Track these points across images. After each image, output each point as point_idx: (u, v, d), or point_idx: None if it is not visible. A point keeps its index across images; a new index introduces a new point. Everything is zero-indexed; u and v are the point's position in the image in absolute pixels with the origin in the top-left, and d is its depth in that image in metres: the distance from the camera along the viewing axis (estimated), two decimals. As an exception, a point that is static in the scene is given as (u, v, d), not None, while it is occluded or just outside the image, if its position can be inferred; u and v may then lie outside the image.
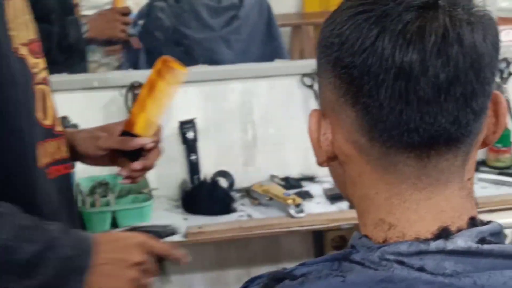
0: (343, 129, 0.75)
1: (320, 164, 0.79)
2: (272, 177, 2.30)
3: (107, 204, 2.02)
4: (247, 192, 2.20)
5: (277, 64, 2.36)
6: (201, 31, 2.68)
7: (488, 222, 0.74)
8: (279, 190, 2.13)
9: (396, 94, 0.69)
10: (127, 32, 2.41)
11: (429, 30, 0.68)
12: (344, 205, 2.14)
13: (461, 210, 0.74)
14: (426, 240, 0.71)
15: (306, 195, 2.19)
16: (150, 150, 1.28)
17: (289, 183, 2.27)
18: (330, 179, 2.31)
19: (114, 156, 1.31)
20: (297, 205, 2.05)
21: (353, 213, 2.19)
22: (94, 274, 1.09)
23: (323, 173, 2.31)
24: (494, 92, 0.74)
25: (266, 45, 2.86)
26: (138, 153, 1.28)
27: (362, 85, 0.70)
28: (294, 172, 2.34)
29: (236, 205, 2.15)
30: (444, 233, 0.72)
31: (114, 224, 2.01)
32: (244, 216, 2.09)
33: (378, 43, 0.68)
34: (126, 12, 2.39)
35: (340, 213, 2.09)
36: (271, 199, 2.11)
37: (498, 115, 0.76)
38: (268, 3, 2.94)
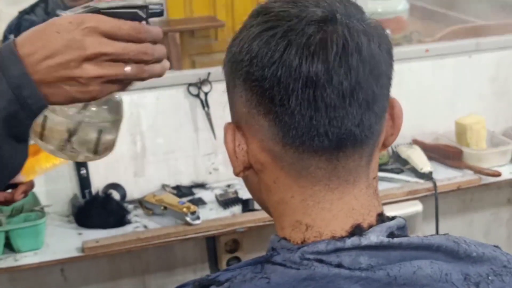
0: (257, 138, 0.78)
1: (237, 174, 0.82)
2: (164, 186, 2.32)
3: (-1, 224, 1.97)
4: (140, 203, 2.21)
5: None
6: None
7: (393, 218, 0.80)
8: (173, 199, 2.16)
9: (305, 101, 0.73)
10: None
11: (330, 42, 0.73)
12: (236, 209, 2.20)
13: (370, 207, 0.79)
14: (342, 238, 0.75)
15: (200, 202, 2.23)
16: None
17: (181, 191, 2.29)
18: (220, 185, 2.38)
19: None
20: (193, 213, 2.08)
21: (246, 217, 2.28)
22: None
23: (213, 179, 2.37)
24: (390, 97, 0.80)
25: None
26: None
27: (273, 96, 0.74)
28: (185, 180, 2.37)
29: (130, 216, 2.15)
30: (357, 230, 0.76)
31: (8, 245, 1.96)
32: (140, 227, 2.09)
33: (286, 56, 0.73)
34: None
35: (234, 217, 2.14)
36: (165, 208, 2.13)
37: (394, 118, 0.81)
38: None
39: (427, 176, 2.31)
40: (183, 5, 5.20)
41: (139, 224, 2.12)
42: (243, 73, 0.77)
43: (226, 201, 2.22)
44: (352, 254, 0.74)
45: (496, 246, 0.82)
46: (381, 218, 0.79)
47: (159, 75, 0.82)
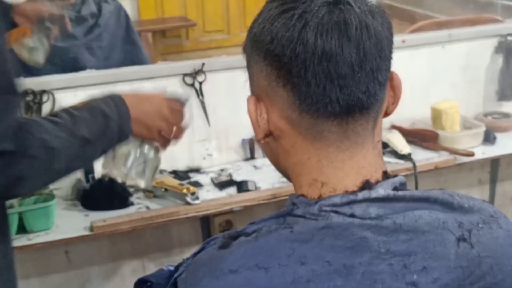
0: (276, 108, 0.88)
1: (259, 140, 0.94)
2: (161, 171, 2.44)
3: (11, 206, 2.07)
4: (141, 186, 2.33)
5: (160, 66, 2.52)
6: (65, 40, 2.77)
7: (396, 175, 0.90)
8: (173, 181, 2.28)
9: (320, 73, 0.83)
10: None
11: (343, 21, 0.84)
12: (231, 190, 2.33)
13: (376, 165, 0.89)
14: (354, 192, 0.86)
15: (197, 184, 2.35)
16: None
17: (178, 175, 2.42)
18: (214, 169, 2.51)
19: None
20: (193, 193, 2.21)
21: (241, 197, 2.41)
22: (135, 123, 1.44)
23: (207, 164, 2.50)
24: (391, 71, 0.91)
25: (127, 51, 3.01)
26: None
27: (291, 69, 0.84)
28: (180, 165, 2.49)
29: (133, 199, 2.27)
30: (367, 185, 0.87)
31: (21, 226, 2.07)
32: (143, 208, 2.21)
33: (303, 35, 0.83)
34: None
35: (230, 197, 2.27)
36: (166, 190, 2.25)
37: (394, 89, 0.92)
38: (125, 11, 3.07)
39: (407, 157, 2.46)
40: (155, 6, 5.29)
41: (142, 206, 2.23)
42: (263, 50, 0.88)
43: (221, 183, 2.35)
44: (363, 205, 0.84)
45: (484, 200, 0.94)
46: (386, 175, 0.90)
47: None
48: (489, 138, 2.60)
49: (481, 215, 0.89)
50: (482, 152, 2.56)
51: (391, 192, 0.86)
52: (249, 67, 0.94)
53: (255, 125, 0.92)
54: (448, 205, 0.88)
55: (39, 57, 2.37)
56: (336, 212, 0.84)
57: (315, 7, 0.85)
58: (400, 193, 0.87)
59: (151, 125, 1.50)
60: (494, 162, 2.87)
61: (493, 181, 2.95)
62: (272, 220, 0.88)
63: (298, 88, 0.85)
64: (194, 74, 2.41)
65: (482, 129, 2.60)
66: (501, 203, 3.03)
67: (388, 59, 0.89)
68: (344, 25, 0.84)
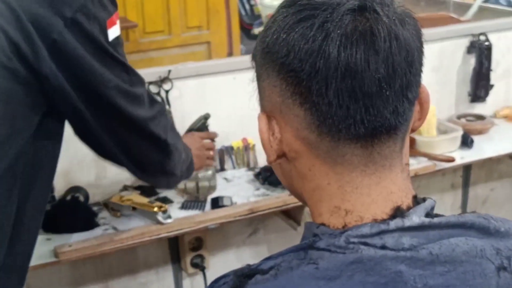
0: (291, 127, 0.79)
1: (270, 162, 0.84)
2: (126, 187, 2.28)
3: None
4: (105, 205, 2.16)
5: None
6: None
7: (425, 199, 0.82)
8: (142, 199, 2.12)
9: (343, 91, 0.74)
10: None
11: (370, 31, 0.74)
12: (203, 206, 2.18)
13: (406, 190, 0.81)
14: (384, 220, 0.77)
15: (166, 200, 2.19)
16: None
17: (145, 191, 2.25)
18: (183, 182, 2.31)
19: None
20: (164, 212, 2.05)
21: (216, 213, 2.28)
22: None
23: (175, 178, 2.33)
24: None
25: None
26: None
27: (310, 86, 0.75)
28: (146, 180, 2.33)
29: (98, 219, 2.10)
30: (398, 212, 0.78)
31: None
32: (110, 229, 2.05)
33: (325, 47, 0.73)
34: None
35: (205, 214, 2.12)
36: (134, 208, 2.09)
37: (422, 103, 0.83)
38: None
39: (385, 165, 2.36)
40: (92, 7, 5.10)
41: (108, 226, 2.06)
42: (278, 63, 0.77)
43: (193, 199, 2.20)
44: (395, 235, 0.75)
45: None
46: (416, 200, 0.81)
47: None
48: (466, 142, 2.53)
49: None
50: (461, 157, 2.49)
51: (426, 220, 0.78)
52: (259, 79, 0.83)
53: (267, 145, 0.82)
54: (484, 230, 0.80)
55: None
56: (365, 244, 0.75)
57: (338, 15, 0.75)
58: (435, 220, 0.78)
59: (202, 156, 2.06)
60: (467, 166, 2.81)
61: (465, 185, 2.88)
62: (292, 254, 0.78)
63: (317, 108, 0.76)
64: (160, 82, 2.24)
65: (460, 133, 2.52)
66: (473, 207, 2.97)
67: (419, 73, 0.79)
68: (371, 36, 0.74)
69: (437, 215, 0.80)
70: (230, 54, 4.09)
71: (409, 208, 0.79)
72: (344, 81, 0.73)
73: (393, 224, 0.76)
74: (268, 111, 0.82)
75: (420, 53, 0.79)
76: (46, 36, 1.23)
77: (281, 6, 0.80)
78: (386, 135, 0.77)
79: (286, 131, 0.80)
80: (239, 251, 2.53)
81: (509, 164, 2.92)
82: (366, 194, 0.78)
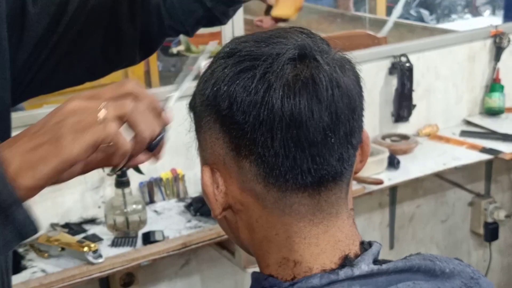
0: (236, 179, 0.77)
1: (216, 216, 0.81)
2: (53, 225, 2.21)
3: None
4: (32, 246, 2.08)
5: (48, 110, 2.27)
6: None
7: (370, 243, 0.82)
8: (70, 239, 2.05)
9: (289, 142, 0.73)
10: None
11: (310, 79, 0.73)
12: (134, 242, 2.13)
13: (353, 237, 0.80)
14: (333, 270, 0.76)
15: (95, 238, 2.13)
16: None
17: (72, 229, 2.19)
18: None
19: None
20: (95, 251, 1.99)
21: (148, 249, 2.22)
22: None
23: (102, 213, 2.28)
24: None
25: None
26: None
27: (255, 138, 0.73)
28: (73, 217, 2.27)
29: (25, 261, 2.02)
30: (347, 261, 0.77)
31: None
32: (38, 272, 1.98)
33: (268, 98, 0.72)
34: None
35: (136, 251, 2.08)
36: (63, 249, 2.03)
37: (363, 146, 0.82)
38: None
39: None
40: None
41: (36, 269, 1.99)
42: (220, 116, 0.76)
43: (123, 235, 2.15)
44: (345, 285, 0.75)
45: (457, 259, 0.86)
46: (363, 246, 0.81)
47: None
48: (393, 163, 2.56)
49: (462, 279, 0.83)
50: (388, 178, 2.52)
51: (375, 267, 0.77)
52: (199, 131, 0.81)
53: (212, 199, 0.80)
54: (430, 273, 0.81)
55: None
56: None
57: (278, 65, 0.74)
58: (384, 266, 0.78)
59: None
60: (393, 185, 2.84)
61: (392, 203, 2.92)
62: None
63: (263, 159, 0.74)
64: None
65: (386, 154, 2.56)
66: (401, 224, 3.02)
67: (361, 119, 0.79)
68: (313, 85, 0.73)
69: (384, 261, 0.79)
70: (147, 71, 4.02)
71: (356, 256, 0.78)
72: (289, 131, 0.72)
73: (343, 273, 0.75)
74: (210, 163, 0.79)
75: (361, 98, 0.79)
76: None
77: (219, 57, 0.78)
78: (332, 183, 0.77)
79: (231, 183, 0.78)
80: (172, 283, 2.49)
81: (433, 180, 2.98)
82: (314, 244, 0.77)
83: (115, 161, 0.79)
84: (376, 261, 0.78)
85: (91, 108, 0.73)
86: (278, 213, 0.77)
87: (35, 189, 0.76)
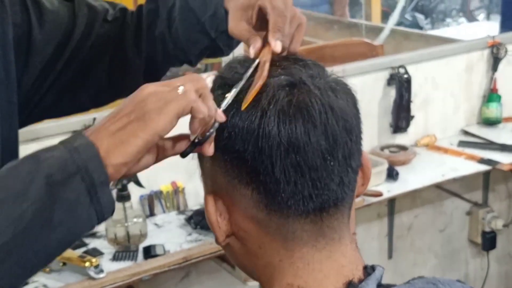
0: (239, 207, 0.78)
1: (220, 243, 0.82)
2: (53, 239, 2.20)
3: None
4: (33, 261, 2.08)
5: (47, 125, 2.26)
6: None
7: (373, 267, 0.82)
8: (71, 253, 2.05)
9: (289, 167, 0.73)
10: None
11: (303, 104, 0.74)
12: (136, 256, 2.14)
13: (356, 261, 0.80)
14: None
15: (97, 253, 2.14)
16: None
17: (73, 243, 2.19)
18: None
19: None
20: (96, 266, 2.00)
21: (150, 264, 2.23)
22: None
23: (103, 226, 2.28)
24: None
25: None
26: None
27: (256, 166, 0.74)
28: (74, 230, 2.26)
29: (26, 276, 2.02)
30: (351, 287, 0.77)
31: None
32: (40, 287, 1.98)
33: (264, 125, 0.73)
34: None
35: (138, 266, 2.08)
36: (64, 264, 2.03)
37: (363, 169, 0.83)
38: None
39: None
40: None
41: (38, 284, 2.00)
42: (221, 146, 0.76)
43: (124, 249, 2.15)
44: None
45: (459, 281, 0.85)
46: (367, 270, 0.81)
47: None
48: (392, 174, 2.57)
49: None
50: (388, 190, 2.53)
51: None
52: (201, 160, 0.82)
53: (216, 227, 0.80)
54: None
55: None
56: None
57: (271, 92, 0.75)
58: None
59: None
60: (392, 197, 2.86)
61: (391, 213, 2.93)
62: None
63: (265, 186, 0.75)
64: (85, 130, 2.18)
65: (385, 166, 2.56)
66: (399, 234, 3.03)
67: (359, 141, 0.79)
68: (306, 109, 0.74)
69: (388, 286, 0.79)
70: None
71: (360, 281, 0.78)
72: (288, 156, 0.73)
73: None
74: (213, 191, 0.80)
75: (358, 119, 0.79)
76: None
77: (212, 89, 0.80)
78: (334, 208, 0.77)
79: (233, 210, 0.78)
80: (172, 295, 2.50)
81: (431, 190, 2.98)
82: (318, 270, 0.77)
83: (194, 128, 0.77)
84: (379, 286, 0.78)
85: (170, 86, 0.76)
86: (281, 239, 0.77)
87: (123, 166, 0.75)
